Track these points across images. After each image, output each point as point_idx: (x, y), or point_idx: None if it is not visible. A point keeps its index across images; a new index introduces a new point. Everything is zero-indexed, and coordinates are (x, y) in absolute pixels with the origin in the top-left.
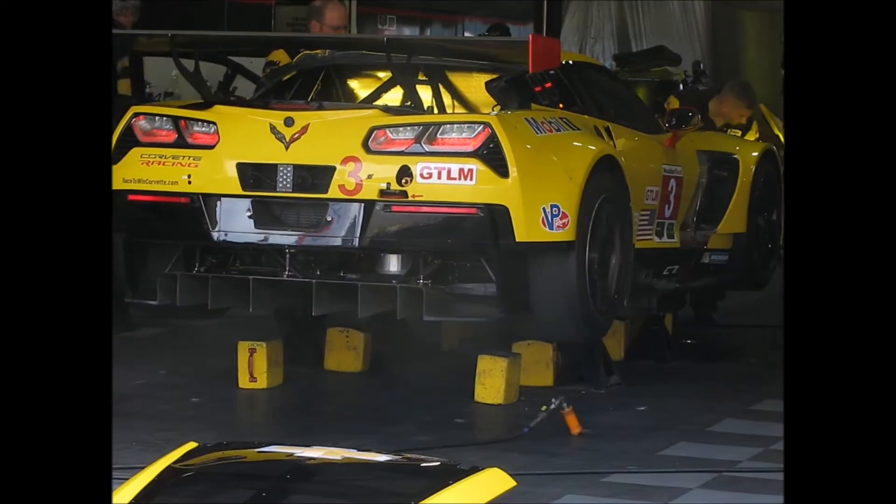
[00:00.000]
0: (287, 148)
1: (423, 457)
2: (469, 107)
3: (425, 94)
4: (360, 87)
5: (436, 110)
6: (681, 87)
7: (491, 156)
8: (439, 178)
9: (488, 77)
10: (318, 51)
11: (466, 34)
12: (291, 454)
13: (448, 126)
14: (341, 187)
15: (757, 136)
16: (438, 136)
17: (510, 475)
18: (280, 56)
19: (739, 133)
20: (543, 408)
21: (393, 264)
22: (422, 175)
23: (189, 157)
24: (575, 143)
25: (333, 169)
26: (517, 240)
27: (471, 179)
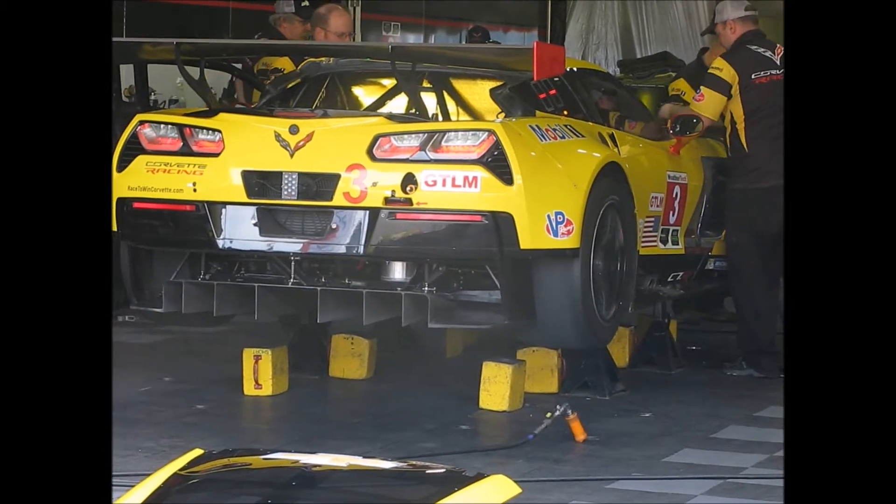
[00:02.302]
0: (292, 156)
1: (428, 464)
2: (473, 114)
3: (430, 101)
4: (365, 95)
5: (440, 118)
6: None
7: (495, 163)
8: (444, 185)
9: (493, 84)
10: (323, 58)
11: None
12: (297, 461)
13: (452, 133)
14: (346, 195)
15: None
16: (443, 143)
17: (515, 482)
18: (285, 63)
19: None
20: (548, 414)
21: (398, 272)
22: (426, 183)
23: (194, 164)
24: (579, 151)
25: (338, 177)
26: (522, 247)
27: (475, 187)
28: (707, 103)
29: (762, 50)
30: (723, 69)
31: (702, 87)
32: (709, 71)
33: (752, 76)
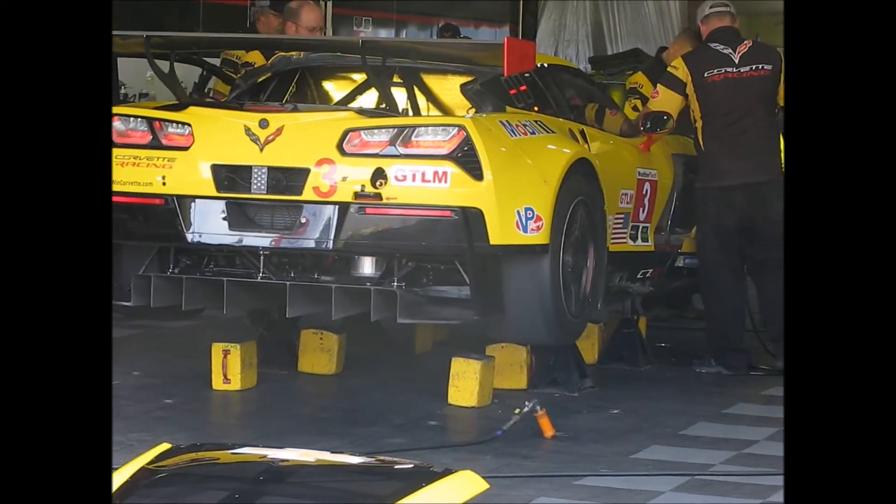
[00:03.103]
0: (262, 150)
1: (396, 459)
2: (444, 109)
3: (400, 96)
4: (335, 89)
5: (410, 113)
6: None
7: (465, 158)
8: (414, 180)
9: (463, 80)
10: (294, 52)
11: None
12: (265, 456)
13: (423, 129)
14: (315, 189)
15: None
16: (413, 138)
17: (483, 478)
18: (255, 57)
19: None
20: (517, 411)
21: (367, 266)
22: (396, 177)
23: (163, 158)
24: (549, 146)
25: (308, 171)
26: (491, 243)
27: (445, 182)
28: (662, 100)
29: (722, 48)
30: (679, 68)
31: (658, 85)
32: (667, 69)
33: (706, 74)
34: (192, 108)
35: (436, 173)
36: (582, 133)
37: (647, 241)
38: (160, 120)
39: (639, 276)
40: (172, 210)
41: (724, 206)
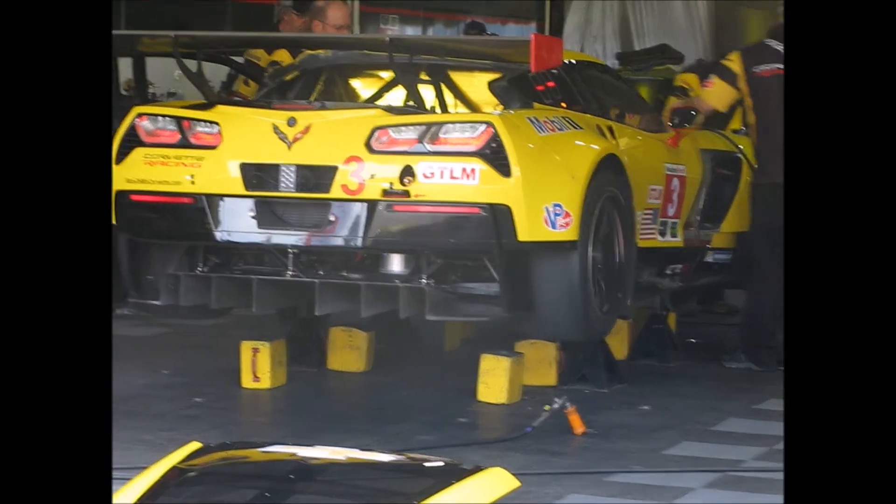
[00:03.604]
0: (290, 148)
1: (426, 456)
2: (471, 106)
3: (428, 93)
4: (363, 87)
5: (438, 110)
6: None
7: (493, 155)
8: (442, 177)
9: (491, 76)
10: (321, 51)
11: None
12: (295, 454)
13: (450, 125)
14: (344, 187)
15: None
16: (441, 135)
17: (513, 475)
18: (282, 56)
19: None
20: (546, 407)
21: (396, 264)
22: (424, 175)
23: (192, 157)
24: (577, 143)
25: (336, 169)
26: (520, 239)
27: (473, 179)
28: (714, 91)
29: (776, 44)
30: (734, 61)
31: (711, 75)
32: (721, 61)
33: (756, 69)
34: (220, 107)
35: (464, 170)
36: (610, 129)
37: (676, 237)
38: (188, 119)
39: (668, 271)
40: (201, 209)
41: (774, 203)
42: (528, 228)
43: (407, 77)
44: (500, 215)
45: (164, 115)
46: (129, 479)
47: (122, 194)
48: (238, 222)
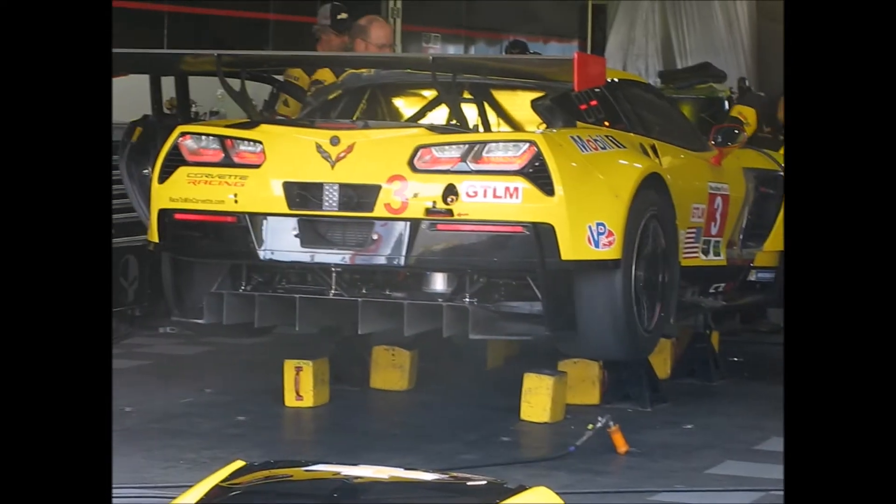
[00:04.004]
0: (333, 167)
1: (469, 475)
2: (514, 125)
3: (470, 112)
4: (406, 106)
5: (481, 129)
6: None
7: (537, 174)
8: (485, 196)
9: (534, 95)
10: (364, 69)
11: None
12: (338, 473)
13: (493, 144)
14: (387, 206)
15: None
16: (484, 154)
17: (557, 494)
18: (325, 75)
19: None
20: (590, 426)
21: (439, 283)
22: (467, 194)
23: (235, 176)
24: (621, 161)
25: (379, 188)
26: (563, 258)
27: (516, 198)
28: None
29: None
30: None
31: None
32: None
33: None
34: (263, 126)
35: (507, 189)
36: (653, 148)
37: (720, 256)
38: (232, 138)
39: (711, 290)
40: (244, 227)
41: None
42: (572, 247)
43: (450, 96)
44: (543, 234)
45: (207, 134)
46: (172, 499)
47: (166, 213)
48: (281, 241)
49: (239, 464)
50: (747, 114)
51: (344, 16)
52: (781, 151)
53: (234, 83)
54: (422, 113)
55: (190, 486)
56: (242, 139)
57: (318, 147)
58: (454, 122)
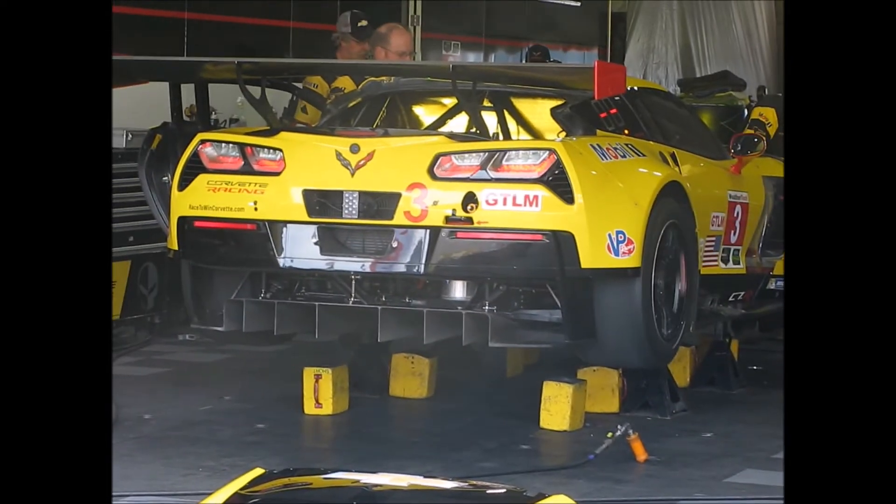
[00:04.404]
0: (353, 174)
1: (489, 483)
2: (534, 133)
3: (490, 120)
4: (426, 114)
5: (501, 137)
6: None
7: (556, 182)
8: (505, 204)
9: (554, 103)
10: (384, 77)
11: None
12: (357, 481)
13: (513, 152)
14: (407, 214)
15: None
16: (504, 162)
17: (577, 502)
18: (345, 83)
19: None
20: (609, 434)
21: (458, 290)
22: (487, 201)
23: (255, 183)
24: (640, 170)
25: (399, 195)
26: (583, 266)
27: (536, 206)
28: None
29: None
30: None
31: None
32: None
33: None
34: (283, 134)
35: (527, 197)
36: (673, 156)
37: (739, 264)
38: (251, 145)
39: (730, 298)
40: (264, 235)
41: None
42: (591, 255)
43: (470, 104)
44: (563, 242)
45: (227, 142)
46: None
47: (186, 220)
48: (301, 249)
49: (258, 471)
50: (768, 114)
51: (364, 23)
52: None
53: (255, 90)
54: (441, 121)
55: (209, 494)
56: (262, 147)
57: (338, 154)
58: (474, 129)
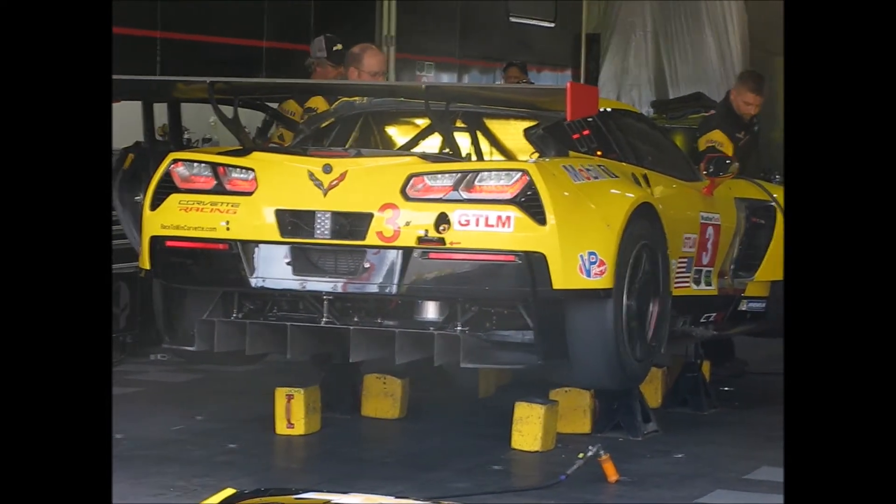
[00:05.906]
0: (325, 195)
1: None
2: (507, 154)
3: (463, 141)
4: (398, 134)
5: (474, 157)
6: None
7: (529, 203)
8: (477, 225)
9: (527, 124)
10: (357, 97)
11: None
12: (329, 501)
13: (486, 173)
14: (379, 234)
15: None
16: (476, 183)
17: None
18: (318, 103)
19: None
20: (581, 455)
21: (430, 311)
22: (460, 222)
23: (227, 203)
24: (613, 191)
25: (371, 216)
26: (554, 287)
27: (508, 227)
28: None
29: None
30: None
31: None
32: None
33: None
34: (255, 154)
35: (499, 218)
36: (645, 177)
37: (711, 285)
38: (224, 165)
39: (702, 320)
40: (236, 255)
41: None
42: (563, 276)
43: (443, 124)
44: (535, 263)
45: (199, 161)
46: None
47: (158, 240)
48: (273, 269)
49: (229, 491)
50: (715, 137)
51: (339, 47)
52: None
53: (227, 110)
54: (414, 141)
55: None
56: (234, 166)
57: (311, 175)
58: (447, 150)
